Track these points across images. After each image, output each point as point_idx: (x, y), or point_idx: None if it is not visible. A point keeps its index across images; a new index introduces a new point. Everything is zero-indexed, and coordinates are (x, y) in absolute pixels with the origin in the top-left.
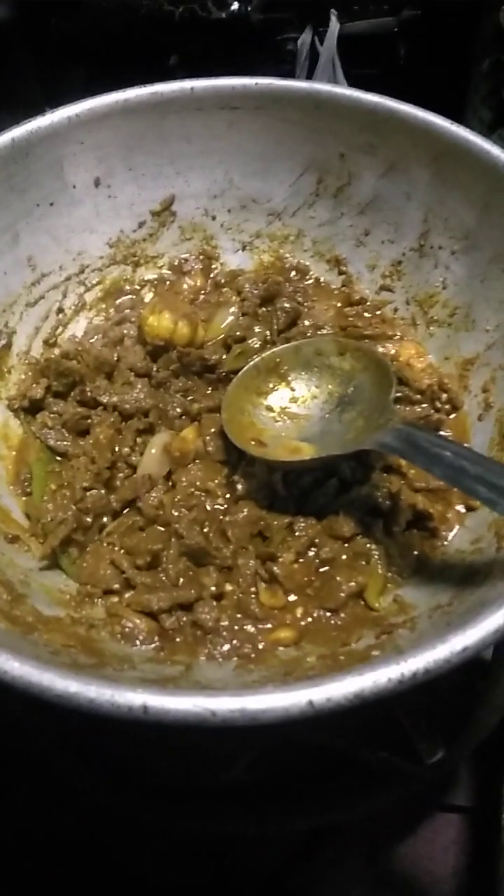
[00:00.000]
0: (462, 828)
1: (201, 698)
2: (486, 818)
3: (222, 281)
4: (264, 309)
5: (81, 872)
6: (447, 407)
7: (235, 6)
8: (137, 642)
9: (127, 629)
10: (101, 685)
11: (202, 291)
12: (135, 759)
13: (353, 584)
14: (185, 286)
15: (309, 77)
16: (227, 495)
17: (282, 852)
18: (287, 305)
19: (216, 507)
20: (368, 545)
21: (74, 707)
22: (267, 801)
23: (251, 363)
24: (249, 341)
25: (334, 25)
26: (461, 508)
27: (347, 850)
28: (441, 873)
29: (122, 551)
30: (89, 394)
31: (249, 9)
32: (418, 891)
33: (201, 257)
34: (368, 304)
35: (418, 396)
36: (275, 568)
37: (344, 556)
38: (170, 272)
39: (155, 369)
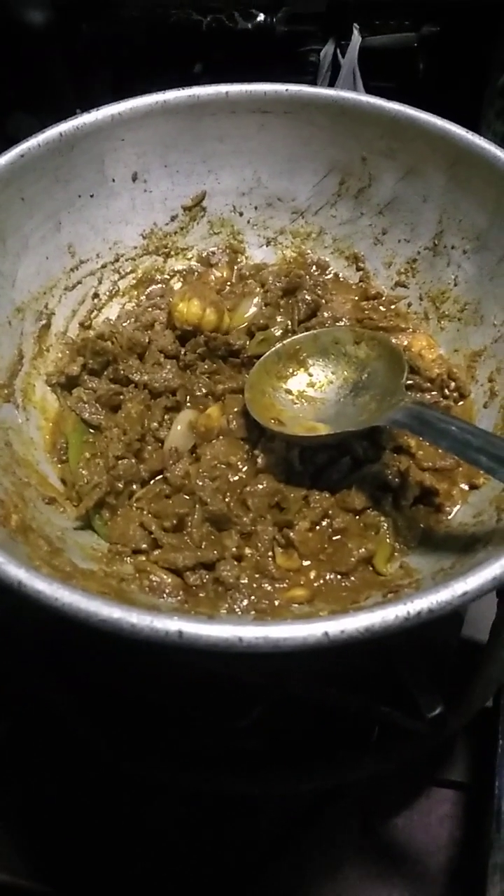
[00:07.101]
0: (457, 803)
1: (230, 626)
2: (480, 794)
3: (247, 273)
4: (286, 300)
5: (88, 829)
6: (455, 395)
7: (261, 18)
8: (164, 595)
9: (154, 583)
10: (141, 612)
11: (228, 283)
12: (150, 721)
13: (363, 550)
14: (212, 277)
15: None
16: (248, 468)
17: (281, 820)
18: (308, 297)
19: (237, 478)
20: (378, 517)
21: (117, 631)
22: (271, 764)
23: (273, 349)
24: (271, 329)
25: (356, 39)
26: (465, 486)
27: (344, 820)
28: (434, 846)
29: (150, 515)
30: (122, 372)
31: (275, 21)
32: (411, 862)
33: (228, 251)
34: (384, 298)
35: (428, 384)
36: (291, 534)
37: (355, 527)
38: (198, 264)
39: (183, 352)
